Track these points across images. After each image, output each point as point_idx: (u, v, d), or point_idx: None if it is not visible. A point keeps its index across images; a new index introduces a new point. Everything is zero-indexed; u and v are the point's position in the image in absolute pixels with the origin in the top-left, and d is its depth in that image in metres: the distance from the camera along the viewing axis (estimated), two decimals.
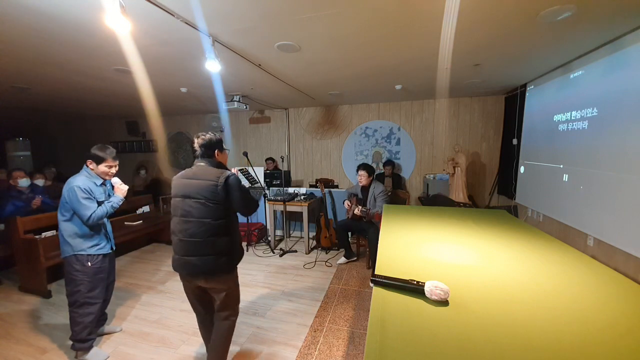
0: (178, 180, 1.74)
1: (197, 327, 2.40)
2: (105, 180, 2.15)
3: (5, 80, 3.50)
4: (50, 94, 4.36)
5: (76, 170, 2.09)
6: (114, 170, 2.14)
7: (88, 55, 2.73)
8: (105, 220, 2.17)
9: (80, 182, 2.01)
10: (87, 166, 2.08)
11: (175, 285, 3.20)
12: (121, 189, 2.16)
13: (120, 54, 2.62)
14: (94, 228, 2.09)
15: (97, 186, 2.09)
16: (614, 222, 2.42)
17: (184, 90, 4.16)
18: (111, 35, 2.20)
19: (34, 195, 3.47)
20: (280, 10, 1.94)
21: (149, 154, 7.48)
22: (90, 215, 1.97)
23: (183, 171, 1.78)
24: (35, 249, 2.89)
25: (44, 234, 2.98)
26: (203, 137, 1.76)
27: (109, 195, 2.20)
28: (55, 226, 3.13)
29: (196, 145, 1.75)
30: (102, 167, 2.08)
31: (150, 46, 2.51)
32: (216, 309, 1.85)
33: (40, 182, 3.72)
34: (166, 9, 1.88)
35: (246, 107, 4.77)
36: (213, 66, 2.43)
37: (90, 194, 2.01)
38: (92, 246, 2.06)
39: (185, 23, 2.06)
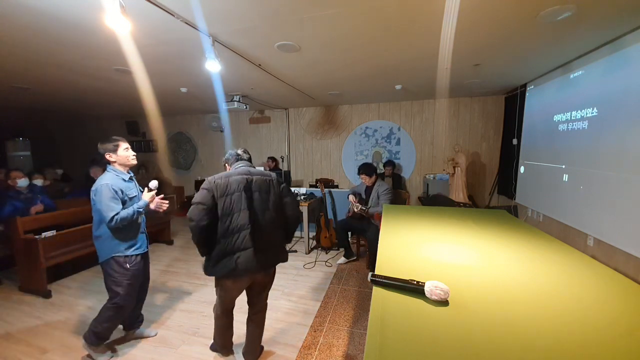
0: (232, 178, 1.76)
1: (197, 327, 2.43)
2: (132, 174, 2.09)
3: (5, 80, 3.51)
4: (50, 94, 4.36)
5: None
6: (132, 151, 2.08)
7: (88, 55, 2.73)
8: (142, 218, 2.12)
9: (109, 179, 1.93)
10: (109, 163, 2.00)
11: (176, 285, 3.20)
12: (149, 194, 2.08)
13: (120, 54, 2.62)
14: (131, 227, 2.01)
15: (126, 182, 2.02)
16: (614, 222, 2.42)
17: (184, 90, 4.16)
18: (111, 35, 2.20)
19: (32, 196, 3.43)
20: (280, 10, 1.94)
21: (149, 154, 7.48)
22: (114, 217, 1.87)
23: (229, 171, 1.86)
24: (35, 249, 2.88)
25: (44, 234, 2.97)
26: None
27: (141, 190, 2.14)
28: (55, 226, 3.15)
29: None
30: (122, 152, 2.00)
31: (150, 46, 2.51)
32: (258, 301, 1.97)
33: (39, 182, 3.69)
34: (166, 9, 1.88)
35: (246, 107, 4.77)
36: (213, 66, 2.43)
37: (118, 194, 1.93)
38: (129, 247, 2.00)
39: (185, 23, 2.06)
